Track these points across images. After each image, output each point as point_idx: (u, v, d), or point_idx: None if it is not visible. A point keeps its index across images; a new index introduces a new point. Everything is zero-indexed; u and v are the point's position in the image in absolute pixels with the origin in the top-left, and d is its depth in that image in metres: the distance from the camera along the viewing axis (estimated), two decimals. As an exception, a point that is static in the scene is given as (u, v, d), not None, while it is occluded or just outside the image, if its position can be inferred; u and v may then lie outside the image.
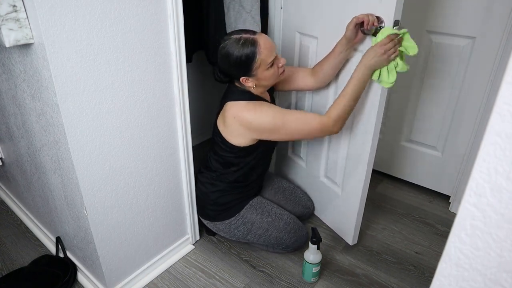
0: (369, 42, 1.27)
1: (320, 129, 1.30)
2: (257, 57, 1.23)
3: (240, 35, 1.24)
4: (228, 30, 1.72)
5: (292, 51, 1.67)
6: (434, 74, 1.75)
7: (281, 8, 1.65)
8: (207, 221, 1.55)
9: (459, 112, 1.73)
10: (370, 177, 1.49)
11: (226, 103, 1.35)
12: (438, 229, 1.76)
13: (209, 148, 1.52)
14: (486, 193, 0.38)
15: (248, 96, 1.34)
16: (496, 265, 0.39)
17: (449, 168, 1.86)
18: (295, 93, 1.73)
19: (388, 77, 1.25)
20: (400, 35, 1.20)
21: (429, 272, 1.52)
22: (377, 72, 1.26)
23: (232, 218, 1.49)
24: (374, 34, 1.23)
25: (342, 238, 1.69)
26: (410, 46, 1.21)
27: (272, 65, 1.27)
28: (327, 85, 1.51)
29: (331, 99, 1.52)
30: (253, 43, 1.22)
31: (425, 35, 1.71)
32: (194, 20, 1.77)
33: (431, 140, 1.88)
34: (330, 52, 1.38)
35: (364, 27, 1.23)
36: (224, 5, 1.67)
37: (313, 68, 1.48)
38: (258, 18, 1.64)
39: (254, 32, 1.26)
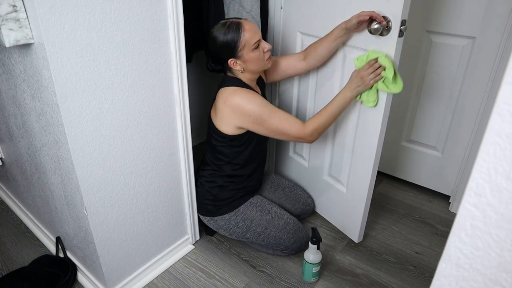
0: (376, 40, 1.27)
1: (297, 135, 1.37)
2: (242, 37, 1.29)
3: (226, 20, 1.32)
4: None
5: (293, 51, 1.67)
6: (434, 74, 1.75)
7: (281, 8, 1.65)
8: (208, 218, 1.55)
9: (459, 112, 1.73)
10: (376, 174, 1.50)
11: (219, 90, 1.41)
12: (438, 229, 1.76)
13: (205, 144, 1.55)
14: (486, 193, 0.38)
15: (240, 83, 1.39)
16: (496, 265, 0.39)
17: (449, 168, 1.86)
18: (297, 89, 1.73)
19: (367, 96, 1.35)
20: (380, 64, 1.26)
21: (429, 272, 1.52)
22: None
23: (232, 214, 1.49)
24: (382, 34, 1.24)
25: (344, 238, 1.69)
26: (392, 84, 1.27)
27: (257, 47, 1.33)
28: (330, 84, 1.53)
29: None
30: (238, 24, 1.30)
31: (425, 35, 1.71)
32: (194, 21, 1.77)
33: (431, 140, 1.88)
34: (327, 36, 1.41)
35: (372, 26, 1.24)
36: (224, 5, 1.67)
37: (305, 50, 1.51)
38: (258, 18, 1.64)
39: (239, 18, 1.34)
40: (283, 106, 1.83)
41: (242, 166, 1.48)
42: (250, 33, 1.30)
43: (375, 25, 1.22)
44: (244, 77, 1.39)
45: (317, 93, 1.62)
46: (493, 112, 0.35)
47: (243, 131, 1.39)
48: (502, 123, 0.35)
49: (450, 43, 1.65)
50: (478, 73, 1.62)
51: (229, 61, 1.34)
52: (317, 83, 1.61)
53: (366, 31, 1.28)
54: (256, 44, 1.32)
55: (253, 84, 1.45)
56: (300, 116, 1.76)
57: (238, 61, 1.33)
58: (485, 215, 0.39)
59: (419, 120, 1.88)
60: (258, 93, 1.46)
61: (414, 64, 1.78)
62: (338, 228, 1.74)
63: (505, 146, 0.35)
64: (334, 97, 1.38)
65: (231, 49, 1.31)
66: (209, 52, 1.38)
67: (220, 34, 1.30)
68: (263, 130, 1.37)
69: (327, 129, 1.40)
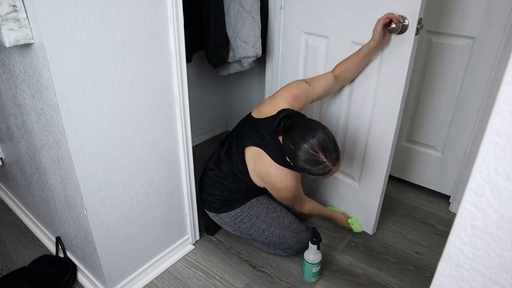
0: (393, 39, 1.31)
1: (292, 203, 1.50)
2: (315, 174, 1.24)
3: (325, 160, 1.19)
4: (228, 30, 1.72)
5: (295, 52, 1.67)
6: (434, 74, 1.75)
7: (281, 8, 1.65)
8: (213, 214, 1.54)
9: (459, 112, 1.73)
10: (390, 167, 1.55)
11: (262, 151, 1.32)
12: (438, 229, 1.76)
13: (223, 147, 1.48)
14: (486, 193, 0.38)
15: (288, 164, 1.32)
16: (496, 265, 0.39)
17: (449, 168, 1.86)
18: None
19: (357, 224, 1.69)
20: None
21: (429, 272, 1.52)
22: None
23: (238, 210, 1.48)
24: (400, 32, 1.26)
25: (343, 238, 1.69)
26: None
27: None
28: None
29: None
30: (326, 173, 1.22)
31: (425, 35, 1.71)
32: (194, 20, 1.77)
33: (431, 140, 1.88)
34: (356, 54, 1.38)
35: (391, 26, 1.26)
36: (224, 5, 1.67)
37: (334, 71, 1.44)
38: (258, 18, 1.65)
39: (336, 159, 1.22)
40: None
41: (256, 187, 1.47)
42: (321, 177, 1.33)
43: (393, 25, 1.25)
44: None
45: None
46: (493, 112, 0.35)
47: None
48: (502, 123, 0.35)
49: (450, 43, 1.65)
50: (478, 73, 1.62)
51: (287, 157, 1.27)
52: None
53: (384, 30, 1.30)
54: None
55: None
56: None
57: (290, 163, 1.28)
58: (485, 215, 0.39)
59: (419, 120, 1.88)
60: None
61: (414, 64, 1.77)
62: None
63: (505, 146, 0.35)
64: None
65: (296, 167, 1.26)
66: (285, 141, 1.25)
67: (305, 164, 1.19)
68: (280, 198, 1.46)
69: None
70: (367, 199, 1.65)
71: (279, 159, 1.32)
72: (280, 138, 1.30)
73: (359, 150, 1.60)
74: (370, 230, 1.71)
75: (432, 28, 1.67)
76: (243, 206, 1.49)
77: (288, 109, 1.27)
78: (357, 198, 1.69)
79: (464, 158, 1.77)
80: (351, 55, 1.40)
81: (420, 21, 1.23)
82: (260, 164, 1.35)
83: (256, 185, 1.42)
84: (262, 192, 1.52)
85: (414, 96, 1.84)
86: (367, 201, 1.65)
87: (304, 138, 1.19)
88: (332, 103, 1.61)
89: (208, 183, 1.50)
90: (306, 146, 1.18)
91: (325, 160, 1.19)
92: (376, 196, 1.60)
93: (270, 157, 1.32)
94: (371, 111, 1.48)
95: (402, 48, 1.29)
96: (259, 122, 1.37)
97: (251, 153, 1.37)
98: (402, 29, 1.25)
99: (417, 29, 1.24)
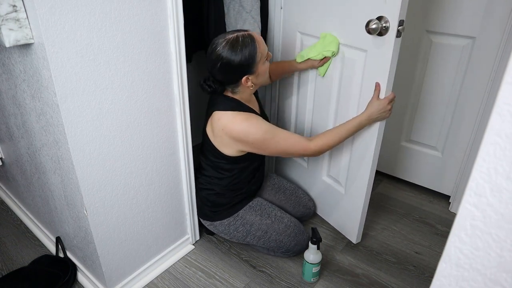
0: (374, 41, 1.27)
1: (303, 153, 1.35)
2: (257, 50, 1.22)
3: (234, 35, 1.21)
4: (228, 30, 1.72)
5: (293, 52, 1.67)
6: (434, 74, 1.75)
7: (281, 8, 1.65)
8: (208, 223, 1.55)
9: (459, 112, 1.73)
10: (374, 176, 1.50)
11: (213, 112, 1.33)
12: (438, 229, 1.76)
13: (199, 152, 1.51)
14: (486, 193, 0.38)
15: (236, 104, 1.32)
16: (496, 265, 0.39)
17: (449, 168, 1.86)
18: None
19: (323, 68, 1.52)
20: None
21: (429, 272, 1.52)
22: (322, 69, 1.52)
23: (231, 218, 1.49)
24: (380, 34, 1.23)
25: (343, 238, 1.69)
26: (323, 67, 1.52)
27: (266, 58, 1.29)
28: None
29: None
30: (252, 38, 1.22)
31: (425, 35, 1.71)
32: (194, 20, 1.77)
33: (431, 140, 1.88)
34: (281, 64, 1.61)
35: (369, 27, 1.22)
36: (224, 5, 1.67)
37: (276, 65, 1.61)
38: (258, 18, 1.64)
39: (242, 30, 1.25)
40: (282, 111, 1.83)
41: (242, 177, 1.46)
42: (262, 44, 1.23)
43: (373, 25, 1.21)
44: (243, 95, 1.32)
45: (316, 96, 1.62)
46: (493, 112, 0.35)
47: (246, 152, 1.37)
48: (502, 123, 0.35)
49: (450, 43, 1.65)
50: (478, 73, 1.62)
51: (243, 79, 1.25)
52: (316, 87, 1.60)
53: (364, 31, 1.28)
54: (266, 55, 1.27)
55: (252, 99, 1.41)
56: (299, 121, 1.76)
57: (250, 77, 1.26)
58: (485, 215, 0.39)
59: (419, 120, 1.88)
60: (257, 107, 1.44)
61: (414, 64, 1.78)
62: (337, 228, 1.74)
63: (505, 146, 0.35)
64: (349, 121, 1.35)
65: (249, 66, 1.22)
66: (216, 74, 1.26)
67: (234, 53, 1.19)
68: (267, 153, 1.35)
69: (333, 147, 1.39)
70: (352, 206, 1.60)
71: (228, 104, 1.31)
72: (227, 93, 1.33)
73: (345, 154, 1.57)
74: (354, 239, 1.65)
75: (432, 28, 1.67)
76: (235, 215, 1.48)
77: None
78: (342, 205, 1.66)
79: (464, 158, 1.77)
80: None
81: (401, 23, 1.19)
82: (214, 124, 1.32)
83: (236, 168, 1.40)
84: (250, 194, 1.53)
85: (414, 96, 1.84)
86: (352, 209, 1.60)
87: (212, 52, 1.22)
88: (322, 104, 1.60)
89: (197, 190, 1.54)
90: (217, 48, 1.20)
91: (235, 34, 1.20)
92: (360, 204, 1.55)
93: (220, 110, 1.30)
94: (356, 113, 1.45)
95: (383, 50, 1.25)
96: (208, 110, 1.41)
97: (208, 126, 1.38)
98: (383, 30, 1.21)
99: (398, 31, 1.19)
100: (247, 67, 1.23)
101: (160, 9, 1.16)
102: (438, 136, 1.85)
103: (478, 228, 0.40)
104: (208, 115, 1.38)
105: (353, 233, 1.65)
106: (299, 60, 1.52)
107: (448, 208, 1.90)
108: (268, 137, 1.29)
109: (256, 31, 1.66)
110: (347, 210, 1.63)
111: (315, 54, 1.46)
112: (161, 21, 1.17)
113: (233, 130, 1.28)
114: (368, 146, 1.43)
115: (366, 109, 1.34)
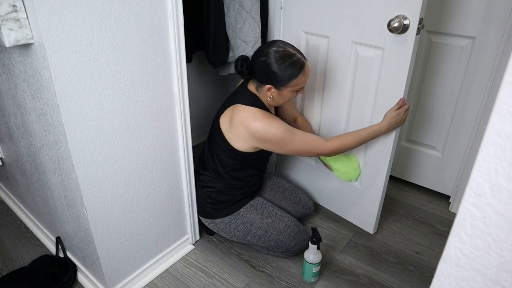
0: (394, 38, 1.28)
1: (319, 152, 1.39)
2: (298, 79, 1.27)
3: (293, 51, 1.26)
4: (228, 30, 1.72)
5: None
6: (434, 74, 1.75)
7: (281, 8, 1.65)
8: (208, 221, 1.55)
9: (459, 112, 1.73)
10: (391, 168, 1.56)
11: (236, 104, 1.35)
12: (438, 229, 1.76)
13: (205, 147, 1.52)
14: (486, 193, 0.38)
15: (261, 104, 1.36)
16: (496, 265, 0.39)
17: (449, 168, 1.86)
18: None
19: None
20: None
21: (429, 272, 1.52)
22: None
23: (232, 217, 1.49)
24: (401, 32, 1.27)
25: (343, 238, 1.69)
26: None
27: (297, 91, 1.32)
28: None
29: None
30: (302, 66, 1.26)
31: (425, 35, 1.71)
32: (194, 20, 1.77)
33: (431, 140, 1.88)
34: (304, 125, 1.66)
35: (391, 26, 1.27)
36: (224, 5, 1.67)
37: (298, 119, 1.67)
38: (258, 18, 1.64)
39: (304, 56, 1.29)
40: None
41: (245, 175, 1.47)
42: (305, 78, 1.29)
43: (395, 23, 1.24)
44: (265, 100, 1.37)
45: (325, 92, 1.62)
46: (493, 112, 0.35)
47: (259, 149, 1.39)
48: (502, 123, 0.35)
49: (450, 43, 1.65)
50: (478, 73, 1.62)
51: (266, 86, 1.30)
52: (325, 83, 1.61)
53: (381, 28, 1.30)
54: (299, 89, 1.31)
55: (272, 109, 1.45)
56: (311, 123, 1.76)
57: (274, 89, 1.30)
58: (485, 215, 0.39)
59: (419, 120, 1.88)
60: (274, 114, 1.46)
61: (414, 64, 1.78)
62: (351, 222, 1.78)
63: (505, 146, 0.35)
64: (368, 128, 1.41)
65: (280, 81, 1.27)
66: (254, 63, 1.30)
67: (279, 63, 1.24)
68: (284, 151, 1.38)
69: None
70: (368, 198, 1.65)
71: (252, 101, 1.34)
72: (250, 88, 1.37)
73: (360, 150, 1.59)
74: (371, 229, 1.71)
75: (432, 28, 1.67)
76: (236, 213, 1.49)
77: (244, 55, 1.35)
78: (358, 198, 1.69)
79: (464, 158, 1.77)
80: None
81: (421, 21, 1.23)
82: (234, 115, 1.34)
83: (239, 168, 1.42)
84: (251, 194, 1.53)
85: (414, 96, 1.84)
86: (368, 201, 1.65)
87: (269, 46, 1.27)
88: (332, 104, 1.61)
89: (198, 188, 1.54)
90: (274, 48, 1.26)
91: (295, 52, 1.26)
92: (377, 195, 1.60)
93: (242, 104, 1.34)
94: (371, 111, 1.48)
95: (403, 48, 1.29)
96: (228, 99, 1.43)
97: (224, 116, 1.39)
98: (403, 28, 1.25)
99: (418, 29, 1.24)
100: (278, 81, 1.27)
101: (160, 9, 1.16)
102: (438, 136, 1.85)
103: (478, 228, 0.40)
104: (226, 105, 1.40)
105: (370, 224, 1.70)
106: (321, 158, 1.64)
107: (448, 208, 1.90)
108: (287, 135, 1.32)
109: (256, 31, 1.66)
110: (363, 203, 1.68)
111: (335, 167, 1.61)
112: (161, 21, 1.17)
113: (253, 125, 1.30)
114: (386, 141, 1.49)
115: (385, 118, 1.40)
